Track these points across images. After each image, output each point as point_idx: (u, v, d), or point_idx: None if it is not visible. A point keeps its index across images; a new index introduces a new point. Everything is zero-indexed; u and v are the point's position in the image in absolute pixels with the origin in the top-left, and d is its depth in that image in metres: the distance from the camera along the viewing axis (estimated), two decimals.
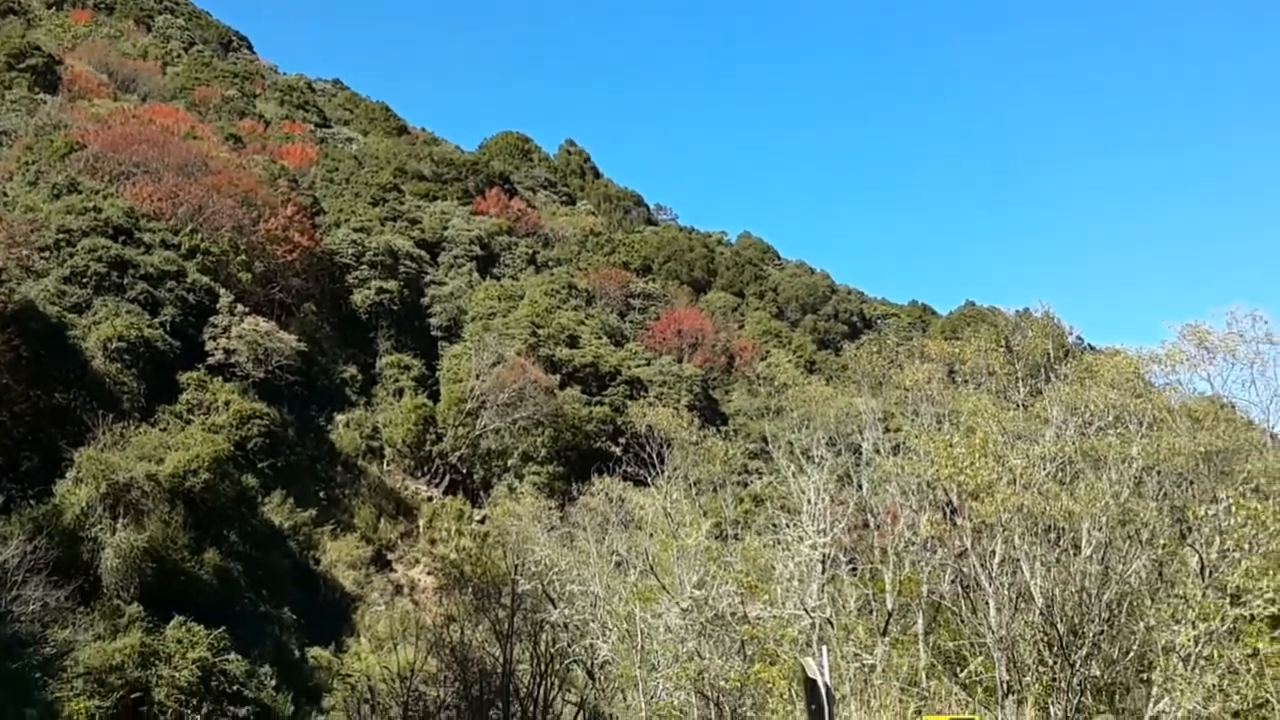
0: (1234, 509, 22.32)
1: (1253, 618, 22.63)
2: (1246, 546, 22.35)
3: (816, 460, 31.07)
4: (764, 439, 46.53)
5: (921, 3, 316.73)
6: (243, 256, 67.89)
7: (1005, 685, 24.92)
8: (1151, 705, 23.54)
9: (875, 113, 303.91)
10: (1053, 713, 24.04)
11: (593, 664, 35.80)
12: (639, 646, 31.19)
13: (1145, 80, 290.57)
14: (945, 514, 28.69)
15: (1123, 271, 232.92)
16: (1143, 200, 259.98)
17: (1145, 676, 24.86)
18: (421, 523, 65.14)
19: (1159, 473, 27.42)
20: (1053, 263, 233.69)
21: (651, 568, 32.48)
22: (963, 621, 28.27)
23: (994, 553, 26.04)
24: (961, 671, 27.90)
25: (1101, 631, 24.54)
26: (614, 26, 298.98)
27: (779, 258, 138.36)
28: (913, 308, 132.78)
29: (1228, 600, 22.61)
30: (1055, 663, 24.35)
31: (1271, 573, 21.30)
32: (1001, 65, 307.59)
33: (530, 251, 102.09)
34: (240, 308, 61.54)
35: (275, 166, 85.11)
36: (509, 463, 72.13)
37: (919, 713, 24.35)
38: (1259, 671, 21.98)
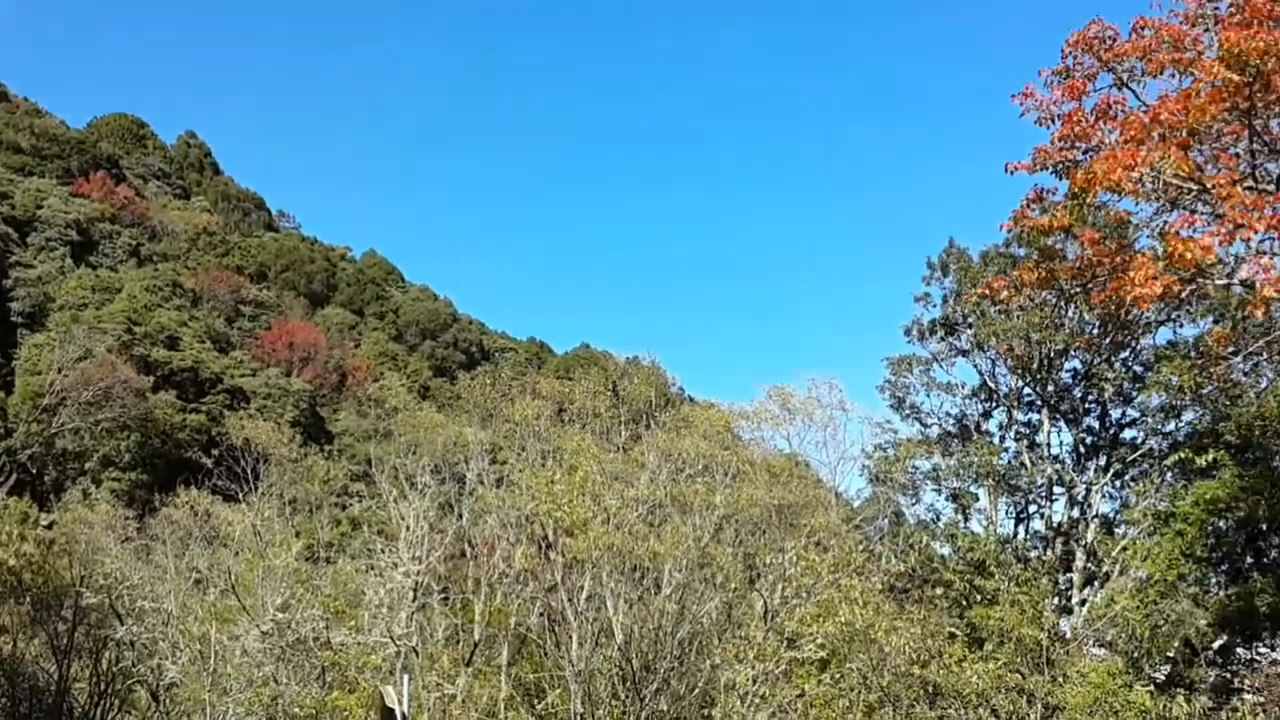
0: (796, 559, 24.32)
1: (804, 661, 24.70)
2: (804, 594, 24.39)
3: (419, 487, 30.88)
4: (369, 462, 45.72)
5: (560, 19, 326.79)
6: None
7: (579, 717, 25.69)
8: None
9: (507, 143, 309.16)
10: None
11: (158, 686, 33.50)
12: (211, 669, 29.51)
13: (749, 151, 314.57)
14: (540, 548, 29.28)
15: (728, 329, 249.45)
16: (753, 263, 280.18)
17: (707, 713, 26.41)
18: None
19: (737, 521, 29.36)
20: (665, 315, 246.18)
21: (233, 587, 30.94)
22: (546, 654, 28.92)
23: (582, 588, 26.88)
24: (539, 703, 28.50)
25: (673, 668, 25.87)
26: (247, 22, 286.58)
27: (403, 280, 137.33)
28: (531, 344, 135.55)
29: (785, 643, 24.55)
30: (627, 697, 25.39)
31: (822, 619, 23.34)
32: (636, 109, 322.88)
33: (134, 243, 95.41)
34: None
35: None
36: (87, 466, 66.81)
37: None
38: (805, 711, 23.96)
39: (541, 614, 29.44)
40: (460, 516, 32.70)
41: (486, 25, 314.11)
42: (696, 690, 26.56)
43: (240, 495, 34.31)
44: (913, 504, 40.15)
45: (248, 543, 32.90)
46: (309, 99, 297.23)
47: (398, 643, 27.43)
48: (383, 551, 30.35)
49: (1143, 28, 21.71)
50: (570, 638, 26.52)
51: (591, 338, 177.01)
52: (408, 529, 29.86)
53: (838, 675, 24.87)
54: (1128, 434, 37.73)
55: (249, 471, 34.15)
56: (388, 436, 42.47)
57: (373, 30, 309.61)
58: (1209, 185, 20.48)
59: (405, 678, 23.20)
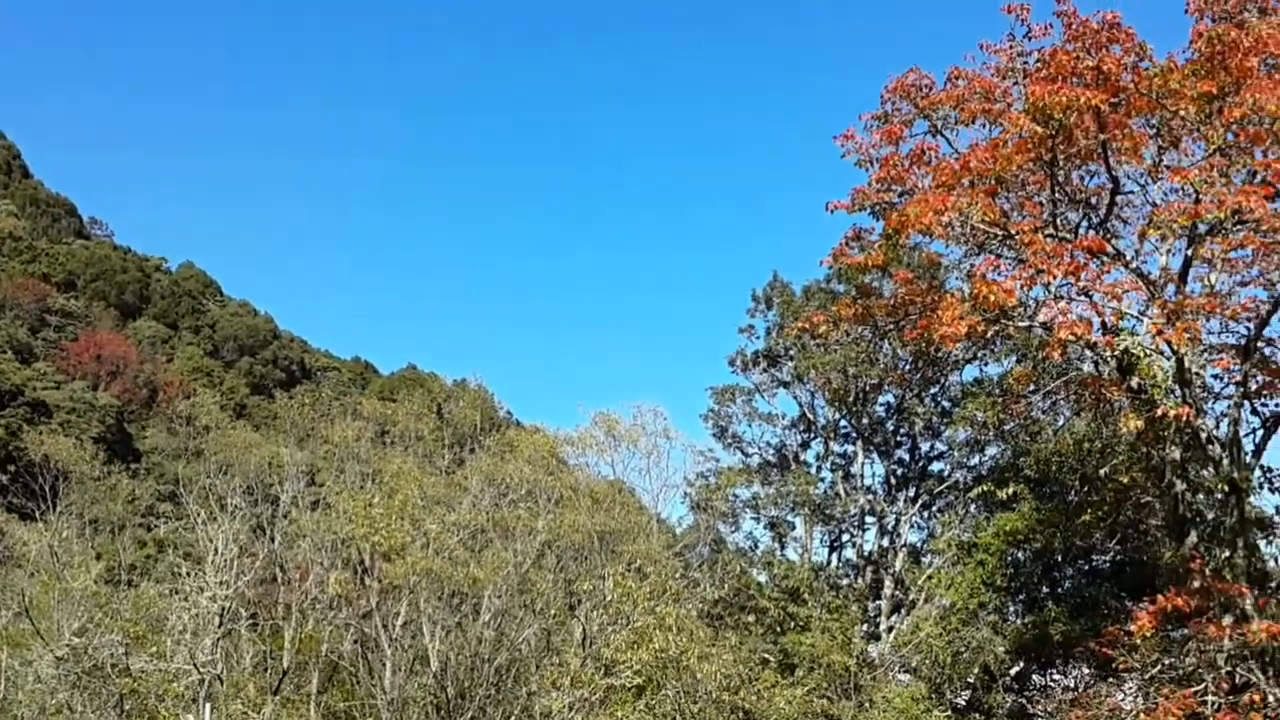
0: (615, 586, 24.45)
1: (621, 688, 24.79)
2: (623, 621, 24.52)
3: (230, 509, 29.81)
4: (178, 481, 43.94)
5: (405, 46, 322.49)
6: None
7: None
8: None
9: (339, 157, 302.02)
10: None
11: None
12: (0, 697, 27.84)
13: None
14: (356, 573, 28.64)
15: (558, 353, 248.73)
16: (584, 288, 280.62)
17: None
18: None
19: (559, 546, 29.31)
20: (495, 337, 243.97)
21: (27, 610, 29.28)
22: (358, 682, 28.26)
23: (398, 614, 26.41)
24: None
25: (489, 695, 25.62)
26: (60, 21, 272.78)
27: (222, 294, 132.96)
28: (355, 364, 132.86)
29: (602, 670, 24.60)
30: None
31: (637, 646, 23.49)
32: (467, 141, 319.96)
33: None
34: None
35: None
36: None
37: None
38: None
39: (355, 641, 28.76)
40: (273, 540, 31.69)
41: (298, 24, 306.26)
42: (512, 718, 26.36)
43: (37, 514, 32.49)
44: (732, 531, 40.88)
45: (43, 564, 31.22)
46: (127, 104, 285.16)
47: (201, 670, 26.34)
48: (189, 575, 29.16)
49: (957, 78, 22.78)
50: (384, 665, 26.01)
51: (419, 358, 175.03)
52: (216, 552, 28.76)
53: (653, 702, 25.05)
54: (935, 466, 39.38)
55: (47, 489, 32.37)
56: (199, 455, 40.91)
57: (191, 32, 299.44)
58: (1013, 231, 21.65)
59: (208, 707, 22.34)
